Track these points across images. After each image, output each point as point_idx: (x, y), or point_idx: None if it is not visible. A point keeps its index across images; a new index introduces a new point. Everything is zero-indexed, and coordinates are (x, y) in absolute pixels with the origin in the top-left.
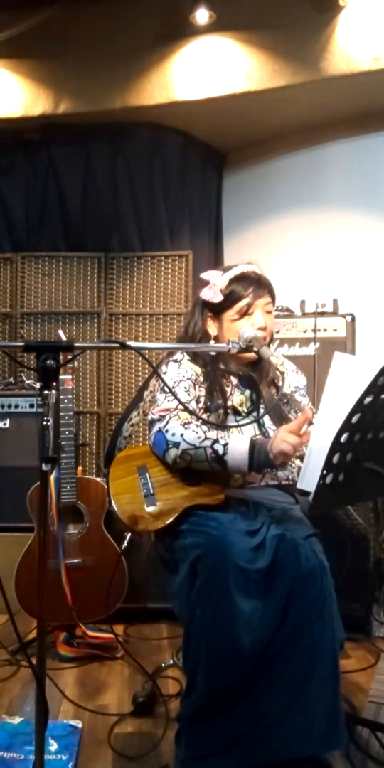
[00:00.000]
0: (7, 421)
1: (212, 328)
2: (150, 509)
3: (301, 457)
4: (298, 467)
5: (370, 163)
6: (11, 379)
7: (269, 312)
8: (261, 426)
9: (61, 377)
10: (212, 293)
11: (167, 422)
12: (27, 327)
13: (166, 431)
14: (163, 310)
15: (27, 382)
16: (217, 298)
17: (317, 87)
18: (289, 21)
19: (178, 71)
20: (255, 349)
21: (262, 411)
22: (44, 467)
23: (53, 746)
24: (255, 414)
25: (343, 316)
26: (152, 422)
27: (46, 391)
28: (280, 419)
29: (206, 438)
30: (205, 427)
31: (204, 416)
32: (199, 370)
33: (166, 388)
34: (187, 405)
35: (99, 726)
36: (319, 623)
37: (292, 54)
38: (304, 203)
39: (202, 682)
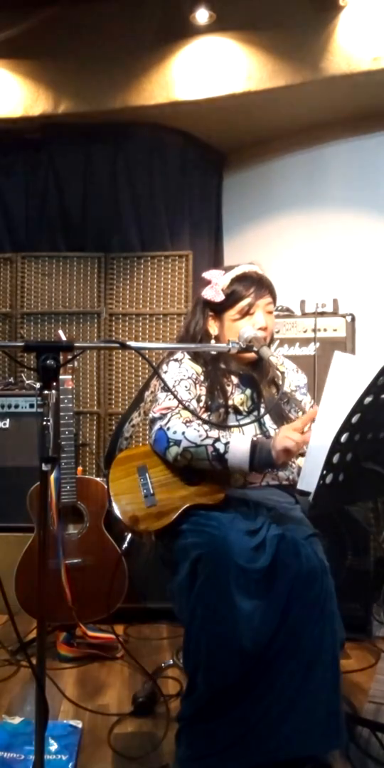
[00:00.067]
0: (7, 421)
1: (213, 327)
2: (150, 509)
3: (303, 455)
4: (298, 467)
5: (370, 163)
6: (11, 379)
7: (270, 312)
8: (262, 425)
9: (61, 377)
10: (214, 292)
11: (169, 420)
12: (27, 327)
13: (168, 429)
14: (163, 310)
15: (27, 382)
16: (219, 297)
17: (317, 87)
18: (289, 21)
19: (178, 71)
20: (255, 349)
21: (262, 410)
22: (44, 467)
23: (53, 746)
24: (256, 413)
25: (343, 316)
26: (153, 420)
27: (46, 391)
28: (281, 419)
29: (208, 436)
30: (206, 426)
31: (204, 415)
32: (199, 369)
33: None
34: (187, 404)
35: (99, 726)
36: (319, 623)
37: (292, 54)
38: (304, 203)
39: (202, 682)
